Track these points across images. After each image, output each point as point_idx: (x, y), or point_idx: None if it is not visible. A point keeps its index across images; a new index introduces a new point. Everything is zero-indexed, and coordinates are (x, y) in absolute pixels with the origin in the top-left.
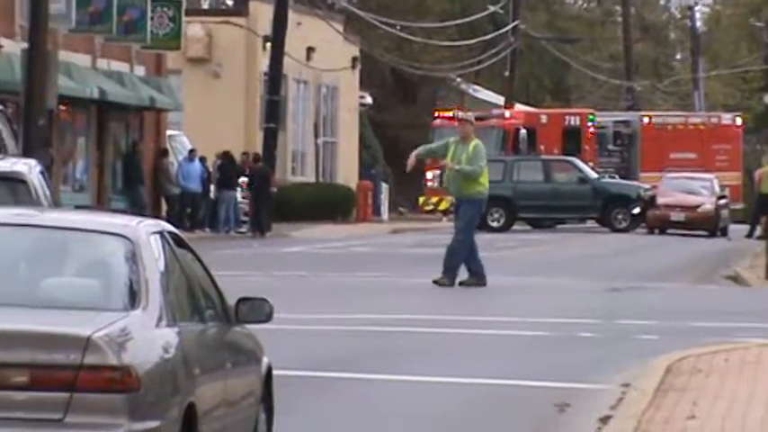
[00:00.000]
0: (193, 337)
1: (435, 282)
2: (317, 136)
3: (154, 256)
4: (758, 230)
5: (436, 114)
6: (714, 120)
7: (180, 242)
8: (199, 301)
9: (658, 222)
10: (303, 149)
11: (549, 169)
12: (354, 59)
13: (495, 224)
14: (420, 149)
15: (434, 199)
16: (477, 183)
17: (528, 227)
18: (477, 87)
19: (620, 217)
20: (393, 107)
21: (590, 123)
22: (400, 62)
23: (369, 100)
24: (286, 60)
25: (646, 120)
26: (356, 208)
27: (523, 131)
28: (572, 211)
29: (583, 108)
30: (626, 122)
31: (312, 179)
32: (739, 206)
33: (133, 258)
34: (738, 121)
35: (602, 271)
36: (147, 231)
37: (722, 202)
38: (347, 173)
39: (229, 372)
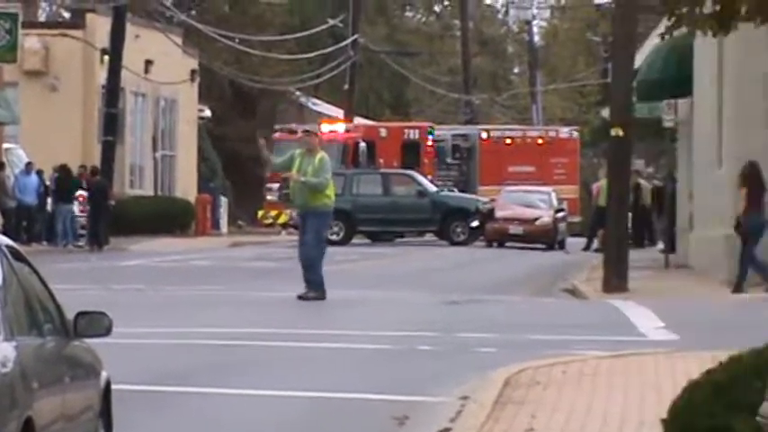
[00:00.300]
0: (31, 350)
1: (301, 297)
2: (155, 149)
3: None
4: (595, 243)
5: (277, 128)
6: (552, 133)
7: (17, 256)
8: (37, 315)
9: (497, 235)
10: (141, 163)
11: (389, 183)
12: (193, 72)
13: (334, 237)
14: (274, 163)
15: (273, 212)
16: (323, 195)
17: (367, 240)
18: (316, 101)
19: (458, 230)
20: (232, 120)
21: (429, 137)
22: (239, 75)
23: (208, 113)
24: (124, 73)
25: (484, 133)
26: (195, 221)
27: (363, 145)
28: (411, 225)
29: (422, 122)
30: (464, 136)
31: (150, 192)
32: (577, 219)
33: None
34: (575, 135)
35: (441, 284)
36: None
37: (560, 215)
38: (186, 186)
39: (68, 386)
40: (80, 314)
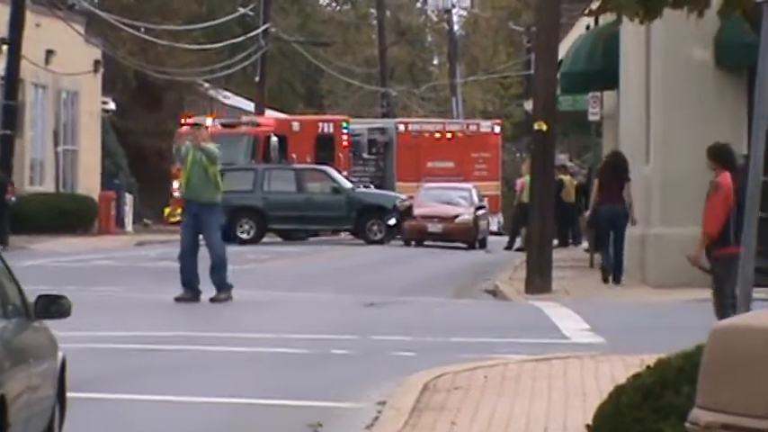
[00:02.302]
0: (2, 331)
1: (212, 299)
2: (56, 143)
3: None
4: (518, 242)
5: (182, 121)
6: (473, 127)
7: None
8: (2, 297)
9: (415, 234)
10: (42, 158)
11: (302, 179)
12: (96, 63)
13: (244, 236)
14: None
15: (180, 210)
16: (216, 188)
17: (279, 239)
18: (227, 93)
19: (375, 228)
20: (137, 113)
21: (344, 131)
22: (145, 66)
23: (112, 105)
24: (23, 64)
25: (402, 127)
26: (98, 219)
27: (274, 139)
28: (325, 223)
29: (337, 115)
30: (381, 130)
31: (51, 189)
32: (498, 217)
33: None
34: (497, 128)
35: (357, 285)
36: None
37: (481, 212)
38: (89, 183)
39: (32, 365)
40: (40, 297)
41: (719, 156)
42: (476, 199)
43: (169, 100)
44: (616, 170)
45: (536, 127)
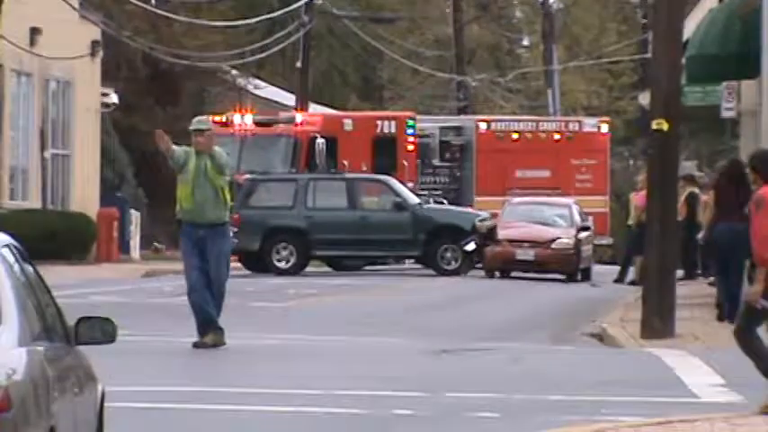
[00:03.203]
0: (51, 357)
1: (197, 345)
2: (43, 147)
3: (7, 269)
4: (631, 273)
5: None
6: (574, 126)
7: (24, 257)
8: (47, 320)
9: (500, 262)
10: (25, 165)
11: (356, 192)
12: (95, 44)
13: (282, 265)
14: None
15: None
16: (225, 205)
17: (327, 268)
18: (259, 83)
19: (448, 255)
20: (147, 109)
21: (409, 131)
22: (156, 48)
23: (114, 98)
24: (2, 45)
25: (483, 126)
26: (97, 243)
27: (321, 141)
28: (386, 248)
29: (400, 111)
30: (457, 129)
31: (37, 205)
32: (606, 241)
33: None
34: (605, 128)
35: (426, 327)
36: None
37: (584, 235)
38: (85, 196)
39: (77, 395)
40: (82, 319)
41: (764, 165)
42: (577, 218)
43: (187, 92)
44: (735, 181)
45: (655, 126)
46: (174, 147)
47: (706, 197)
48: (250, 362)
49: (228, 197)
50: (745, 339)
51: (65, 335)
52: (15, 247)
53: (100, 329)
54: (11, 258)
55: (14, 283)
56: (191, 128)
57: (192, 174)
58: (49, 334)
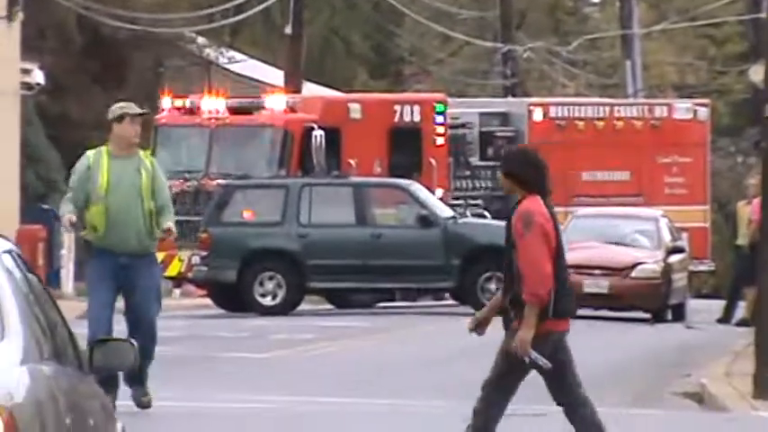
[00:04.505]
0: (61, 379)
1: (142, 404)
2: None
3: (9, 277)
4: (741, 310)
5: (164, 103)
6: (661, 111)
7: (29, 268)
8: (56, 339)
9: None
10: None
11: (366, 202)
12: (11, 4)
13: (267, 301)
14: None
15: (160, 255)
16: (153, 234)
17: (328, 305)
18: (235, 54)
19: (492, 287)
20: (82, 90)
21: (438, 119)
22: (95, 9)
23: (39, 78)
24: None
25: (538, 112)
26: None
27: (319, 134)
28: (407, 278)
29: (426, 92)
30: (503, 117)
31: None
32: (706, 267)
33: None
34: (703, 113)
35: (465, 385)
36: None
37: (676, 259)
38: None
39: (93, 429)
40: (98, 342)
41: (523, 170)
42: (667, 236)
43: (137, 67)
44: None
45: None
46: (71, 209)
47: None
48: (217, 427)
49: (155, 224)
50: (499, 400)
51: (77, 360)
52: (17, 254)
53: (119, 354)
54: (11, 264)
55: (18, 294)
56: (112, 115)
57: (106, 185)
58: (61, 358)
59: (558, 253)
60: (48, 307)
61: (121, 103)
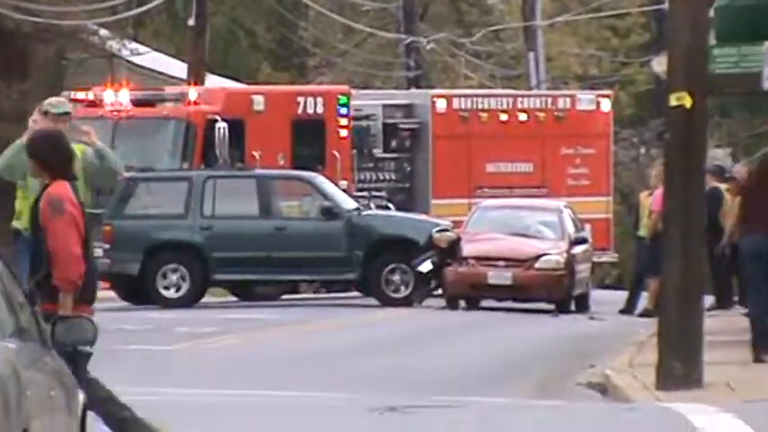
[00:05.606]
0: (23, 355)
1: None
2: None
3: None
4: (643, 301)
5: (72, 97)
6: (564, 103)
7: None
8: (19, 318)
9: (466, 288)
10: None
11: (270, 194)
12: None
13: (171, 293)
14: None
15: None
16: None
17: (232, 298)
18: (137, 47)
19: (396, 279)
20: None
21: (342, 110)
22: None
23: None
24: None
25: (442, 103)
26: None
27: (222, 126)
28: (310, 269)
29: (330, 84)
30: (407, 108)
31: None
32: (609, 257)
33: None
34: (606, 105)
35: (367, 378)
36: None
37: (580, 250)
38: None
39: (54, 402)
40: (59, 319)
41: (48, 152)
42: (570, 227)
43: (39, 60)
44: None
45: (674, 101)
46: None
47: (730, 196)
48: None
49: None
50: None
51: (40, 337)
52: None
53: (79, 331)
54: None
55: None
56: (50, 110)
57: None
58: (23, 335)
59: (86, 238)
60: (11, 287)
61: (48, 101)
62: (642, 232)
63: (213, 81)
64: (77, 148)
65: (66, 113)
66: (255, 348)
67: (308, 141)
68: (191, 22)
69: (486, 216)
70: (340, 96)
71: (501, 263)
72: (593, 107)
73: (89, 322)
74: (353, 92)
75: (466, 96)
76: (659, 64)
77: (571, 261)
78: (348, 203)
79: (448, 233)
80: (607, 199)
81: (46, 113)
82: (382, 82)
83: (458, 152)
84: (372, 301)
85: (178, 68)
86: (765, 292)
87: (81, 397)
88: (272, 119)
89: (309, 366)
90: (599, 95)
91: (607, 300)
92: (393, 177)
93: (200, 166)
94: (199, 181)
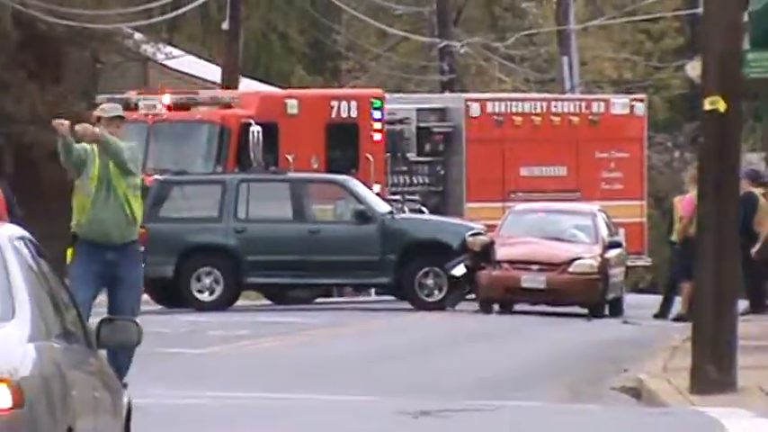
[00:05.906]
0: (68, 356)
1: None
2: None
3: (21, 261)
4: (677, 305)
5: (100, 99)
6: (598, 107)
7: (39, 252)
8: (64, 319)
9: (499, 292)
10: None
11: (303, 197)
12: None
13: (204, 297)
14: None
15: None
16: (135, 219)
17: (265, 301)
18: (172, 50)
19: (429, 283)
20: (17, 86)
21: (375, 114)
22: (33, 6)
23: None
24: None
25: (475, 107)
26: None
27: (256, 129)
28: (344, 273)
29: (363, 88)
30: (440, 112)
31: None
32: (643, 262)
33: None
34: (640, 109)
35: (400, 382)
36: (11, 235)
37: (613, 254)
38: None
39: (99, 402)
40: (104, 321)
41: None
42: (604, 231)
43: (73, 63)
44: None
45: (707, 106)
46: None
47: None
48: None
49: (138, 209)
50: None
51: (86, 338)
52: (30, 240)
53: (124, 332)
54: (25, 251)
55: (28, 277)
56: (102, 115)
57: (97, 177)
58: (69, 336)
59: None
60: (57, 289)
61: (103, 106)
62: (674, 237)
63: (247, 85)
64: (90, 148)
65: (118, 117)
66: (288, 352)
67: (342, 145)
68: (225, 25)
69: (520, 220)
70: (373, 100)
71: (534, 266)
72: (627, 111)
73: (134, 324)
74: (387, 95)
75: (500, 100)
76: (693, 68)
77: (605, 265)
78: (381, 207)
79: (481, 237)
80: (641, 203)
81: (99, 119)
82: (416, 86)
83: (491, 156)
84: (405, 304)
85: (212, 72)
86: None
87: (126, 399)
88: (305, 122)
89: (341, 369)
90: (633, 99)
91: (641, 304)
92: (426, 181)
93: (233, 170)
94: (233, 184)
